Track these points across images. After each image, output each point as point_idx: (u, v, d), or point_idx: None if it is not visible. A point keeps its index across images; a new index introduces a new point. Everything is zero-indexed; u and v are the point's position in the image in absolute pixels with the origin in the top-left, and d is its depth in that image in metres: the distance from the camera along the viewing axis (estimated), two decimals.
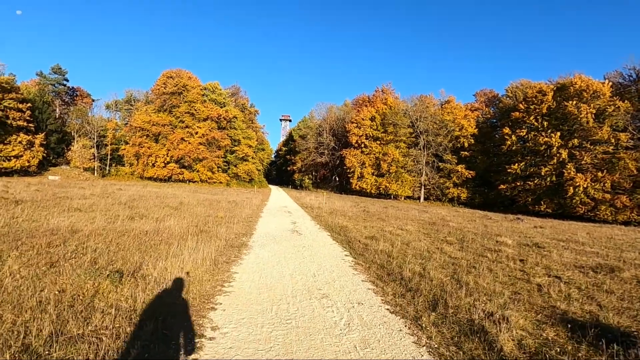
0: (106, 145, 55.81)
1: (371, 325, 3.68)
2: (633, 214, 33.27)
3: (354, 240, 8.92)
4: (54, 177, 40.48)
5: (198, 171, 48.40)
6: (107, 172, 53.55)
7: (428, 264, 6.63)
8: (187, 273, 5.09)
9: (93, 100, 67.15)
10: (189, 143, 47.37)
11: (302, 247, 7.86)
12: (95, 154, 51.36)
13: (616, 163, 34.48)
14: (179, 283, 4.61)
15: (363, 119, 53.19)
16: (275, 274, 5.55)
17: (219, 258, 6.36)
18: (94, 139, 52.62)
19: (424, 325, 3.72)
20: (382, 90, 61.23)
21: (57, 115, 55.11)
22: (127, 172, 51.76)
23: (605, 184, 34.37)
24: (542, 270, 6.79)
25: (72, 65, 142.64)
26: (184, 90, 49.61)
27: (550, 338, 3.54)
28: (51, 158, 50.03)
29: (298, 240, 8.86)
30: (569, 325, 3.83)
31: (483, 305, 4.35)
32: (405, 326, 3.70)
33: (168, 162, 46.95)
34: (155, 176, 46.79)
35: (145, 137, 47.57)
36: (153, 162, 46.53)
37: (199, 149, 47.28)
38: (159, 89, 49.53)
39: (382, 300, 4.54)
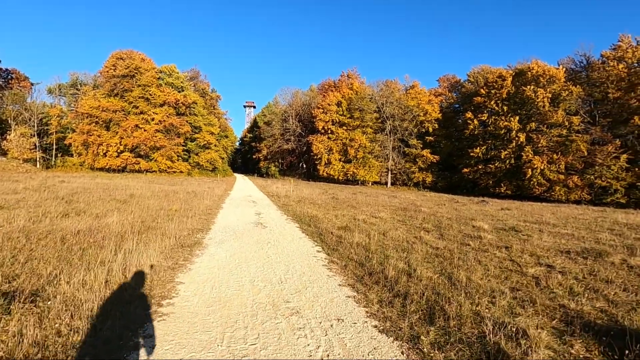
0: (50, 133, 50.77)
1: (358, 355, 2.75)
2: (584, 193, 35.24)
3: (325, 232, 7.99)
4: None
5: (156, 160, 45.27)
6: (52, 163, 48.85)
7: (411, 257, 5.85)
8: (113, 289, 3.89)
9: (32, 84, 60.61)
10: (145, 130, 44.00)
11: (267, 243, 6.81)
12: (37, 144, 46.45)
13: (569, 145, 36.18)
14: (96, 306, 3.42)
15: (329, 104, 52.17)
16: (233, 281, 4.47)
17: (162, 263, 5.15)
18: (34, 126, 47.48)
19: (425, 349, 2.85)
20: (347, 75, 60.41)
21: None
22: (76, 163, 47.54)
23: (560, 166, 36.04)
24: (530, 258, 6.24)
25: (4, 46, 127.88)
26: (136, 73, 45.75)
27: (582, 356, 2.80)
28: None
29: (263, 234, 7.79)
30: (593, 334, 3.14)
31: (487, 311, 3.58)
32: (403, 353, 2.80)
33: (122, 152, 43.41)
34: (107, 167, 43.21)
35: (94, 124, 43.54)
36: (104, 151, 42.82)
37: (155, 136, 44.09)
38: (108, 72, 45.30)
39: (366, 312, 3.63)
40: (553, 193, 36.42)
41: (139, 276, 4.37)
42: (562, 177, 35.86)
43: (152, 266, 4.89)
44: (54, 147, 51.41)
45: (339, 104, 52.32)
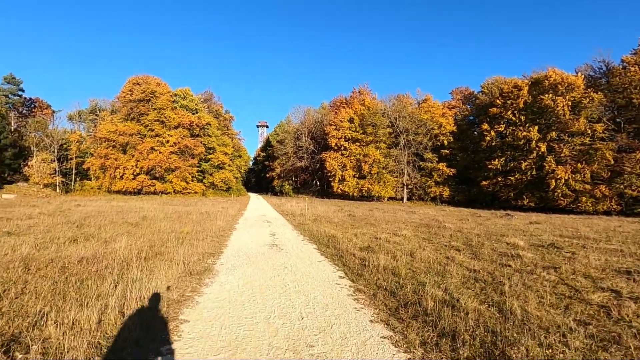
0: (70, 158, 52.07)
1: None
2: (612, 204, 33.43)
3: (346, 254, 7.30)
4: (8, 195, 36.85)
5: (171, 182, 45.61)
6: (71, 187, 49.85)
7: (447, 282, 5.12)
8: (105, 331, 3.32)
9: (54, 112, 62.89)
10: (160, 152, 44.58)
11: (284, 269, 6.16)
12: (57, 169, 47.56)
13: (594, 154, 34.67)
14: (81, 354, 2.84)
15: (341, 121, 52.02)
16: (245, 318, 3.84)
17: (166, 295, 4.57)
18: (54, 152, 48.77)
19: None
20: (359, 92, 60.47)
21: (12, 128, 50.91)
22: (94, 187, 48.35)
23: (585, 175, 34.47)
24: (585, 281, 5.41)
25: (28, 75, 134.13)
26: (152, 97, 46.83)
27: None
28: (6, 175, 46.00)
29: (278, 258, 7.15)
30: None
31: (562, 355, 2.84)
32: None
33: (138, 174, 43.94)
34: (124, 189, 43.70)
35: (111, 148, 44.41)
36: (121, 174, 43.42)
37: (170, 158, 44.56)
38: (125, 97, 46.53)
39: None
40: (579, 204, 34.73)
41: (138, 314, 3.80)
42: (588, 187, 34.24)
43: (154, 299, 4.31)
44: (74, 171, 52.60)
45: (351, 120, 52.12)
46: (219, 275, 5.67)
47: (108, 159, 43.60)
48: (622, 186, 33.09)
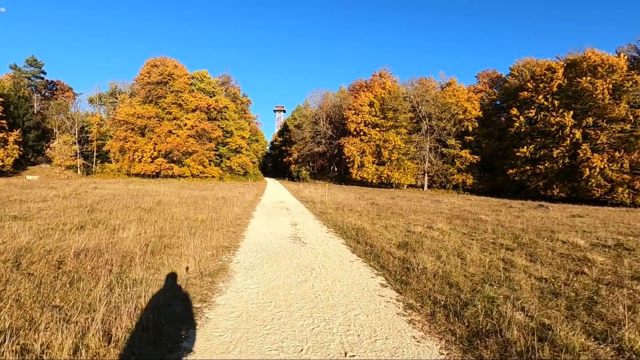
0: (91, 141, 52.63)
1: None
2: None
3: (382, 253, 6.26)
4: (32, 176, 37.44)
5: (188, 165, 45.42)
6: (92, 170, 50.49)
7: (520, 297, 4.03)
8: None
9: (75, 95, 63.54)
10: (177, 136, 44.27)
11: (311, 271, 5.19)
12: (78, 151, 48.11)
13: (634, 142, 32.17)
14: None
15: (361, 105, 50.30)
16: (268, 350, 2.88)
17: (164, 311, 3.65)
18: (75, 135, 49.27)
19: None
20: (379, 75, 58.24)
21: (34, 111, 51.63)
22: (114, 169, 48.70)
23: (624, 164, 32.11)
24: None
25: (51, 58, 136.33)
26: (169, 80, 46.29)
27: None
28: (30, 156, 46.85)
29: (303, 255, 6.17)
30: None
31: None
32: None
33: (156, 157, 43.90)
34: (142, 172, 43.81)
35: (130, 130, 44.37)
36: (140, 157, 43.47)
37: (188, 141, 44.21)
38: (143, 79, 46.17)
39: None
40: (615, 195, 32.49)
41: (130, 338, 2.90)
42: (626, 177, 31.88)
43: (154, 313, 3.42)
44: (95, 154, 53.22)
45: (371, 105, 50.32)
46: (235, 278, 4.74)
47: (127, 142, 43.64)
48: None
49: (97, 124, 51.92)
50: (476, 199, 29.61)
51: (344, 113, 52.77)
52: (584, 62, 36.99)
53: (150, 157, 43.39)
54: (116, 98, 57.69)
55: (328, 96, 61.81)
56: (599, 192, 33.53)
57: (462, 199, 28.83)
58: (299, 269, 5.23)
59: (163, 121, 45.81)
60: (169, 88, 46.29)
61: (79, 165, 47.96)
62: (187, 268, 5.07)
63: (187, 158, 45.23)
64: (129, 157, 43.76)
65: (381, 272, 5.15)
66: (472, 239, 7.98)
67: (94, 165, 51.90)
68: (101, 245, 6.23)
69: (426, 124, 47.40)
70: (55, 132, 50.80)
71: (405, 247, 6.64)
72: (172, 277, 4.57)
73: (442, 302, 3.91)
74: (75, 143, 48.97)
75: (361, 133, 49.79)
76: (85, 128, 53.60)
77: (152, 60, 47.26)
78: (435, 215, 13.20)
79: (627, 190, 31.91)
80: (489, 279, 4.76)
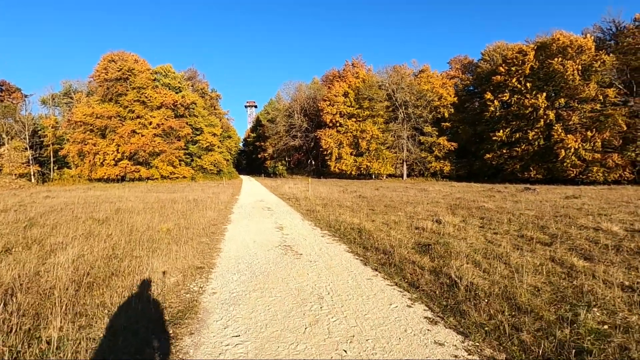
0: (46, 146, 48.33)
1: None
2: (626, 172, 31.86)
3: (403, 262, 4.84)
4: None
5: (157, 167, 42.44)
6: (49, 177, 46.37)
7: (629, 323, 2.76)
8: None
9: (25, 96, 57.99)
10: (142, 135, 41.16)
11: (319, 301, 3.70)
12: (31, 157, 43.92)
13: (605, 121, 32.80)
14: None
15: (335, 96, 48.96)
16: None
17: None
18: (26, 139, 44.94)
19: None
20: (352, 64, 56.99)
21: None
22: (74, 175, 44.90)
23: (596, 144, 32.72)
24: None
25: None
26: (130, 75, 42.89)
27: None
28: None
29: (301, 273, 4.62)
30: None
31: None
32: None
33: (119, 160, 40.62)
34: (105, 177, 40.44)
35: (88, 132, 40.75)
36: (101, 160, 40.05)
37: (154, 141, 41.21)
38: (99, 76, 42.46)
39: None
40: (589, 174, 33.09)
41: None
42: (598, 156, 32.52)
43: None
44: (51, 159, 48.99)
45: (345, 95, 49.08)
46: (209, 325, 3.15)
47: (86, 145, 40.08)
48: (633, 154, 31.43)
49: (51, 127, 47.67)
50: (459, 186, 29.09)
51: (319, 104, 51.25)
52: (554, 44, 37.31)
53: (114, 159, 40.11)
54: (71, 98, 53.25)
55: (301, 88, 59.98)
56: (574, 172, 34.08)
57: (446, 186, 28.19)
58: (302, 298, 3.73)
59: (125, 120, 42.49)
60: (130, 84, 42.93)
61: (32, 173, 43.81)
62: (130, 313, 3.46)
63: (154, 159, 42.25)
64: (90, 161, 40.26)
65: (416, 294, 3.74)
66: (495, 234, 6.77)
67: (51, 172, 47.72)
68: (22, 280, 4.48)
69: (403, 112, 46.74)
70: (3, 138, 46.11)
71: (426, 251, 5.31)
72: (110, 332, 2.97)
73: (539, 352, 2.55)
74: (27, 149, 44.64)
75: (337, 124, 48.50)
76: (39, 132, 49.14)
77: (109, 55, 43.61)
78: (432, 205, 12.05)
79: (601, 169, 32.55)
80: (563, 295, 3.49)
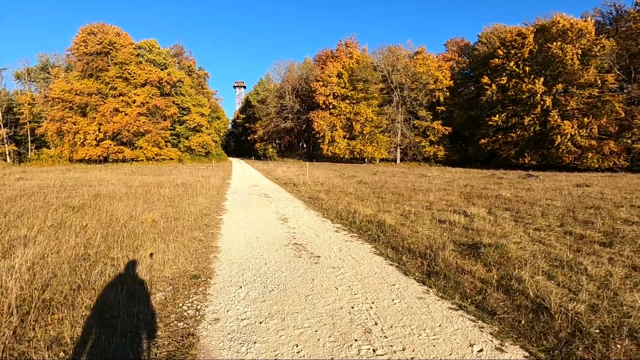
0: (23, 124, 45.66)
1: None
2: (620, 160, 31.77)
3: (453, 271, 3.85)
4: None
5: (141, 148, 40.46)
6: (27, 157, 43.89)
7: None
8: None
9: None
10: (126, 114, 38.95)
11: (365, 335, 2.60)
12: (5, 136, 41.36)
13: (602, 107, 32.42)
14: None
15: (329, 76, 47.28)
16: None
17: None
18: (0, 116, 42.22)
19: None
20: (345, 44, 54.98)
21: None
22: (53, 155, 42.45)
23: (592, 130, 32.43)
24: None
25: None
26: (111, 50, 40.17)
27: None
28: None
29: (328, 287, 3.48)
30: None
31: None
32: None
33: (102, 139, 38.49)
34: (87, 157, 38.35)
35: (67, 109, 38.29)
36: (82, 140, 37.85)
37: (139, 120, 39.09)
38: (78, 49, 39.57)
39: None
40: (585, 161, 32.93)
41: None
42: (594, 142, 32.26)
43: None
44: (29, 138, 46.44)
45: (339, 75, 47.44)
46: None
47: (65, 123, 37.72)
48: (629, 141, 31.25)
49: (27, 104, 44.83)
50: (456, 171, 28.40)
51: (312, 85, 49.49)
52: (554, 27, 36.36)
53: (95, 139, 37.99)
54: (49, 73, 50.06)
55: (293, 68, 57.84)
56: (570, 158, 33.89)
57: (443, 171, 27.44)
58: (341, 332, 2.64)
59: (107, 98, 40.11)
60: (112, 59, 40.32)
61: (8, 152, 41.38)
62: (106, 351, 2.41)
63: (139, 139, 40.24)
64: (69, 140, 38.04)
65: (496, 326, 2.65)
66: (537, 230, 5.87)
67: (28, 152, 45.23)
68: None
69: (398, 94, 45.51)
70: None
71: (475, 255, 4.35)
72: None
73: None
74: (1, 127, 41.98)
75: (330, 106, 47.03)
76: (14, 109, 46.31)
77: (88, 26, 40.63)
78: (443, 194, 11.15)
79: (595, 156, 32.37)
80: None
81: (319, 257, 4.62)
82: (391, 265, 4.23)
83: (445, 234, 5.52)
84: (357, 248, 5.02)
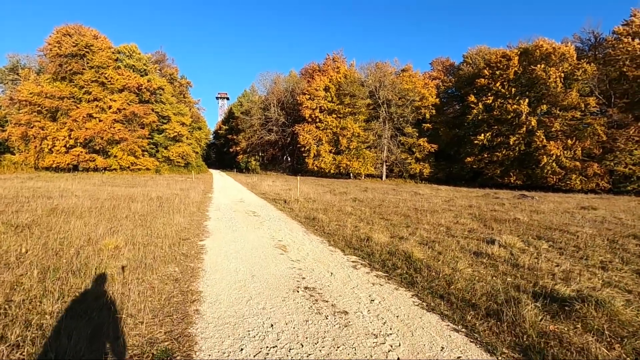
0: None
1: None
2: (603, 182, 32.12)
3: (550, 344, 2.66)
4: None
5: (116, 156, 38.01)
6: None
7: None
8: None
9: None
10: (100, 120, 36.61)
11: None
12: None
13: (584, 130, 33.02)
14: None
15: (316, 90, 46.57)
16: None
17: None
18: None
19: None
20: (333, 59, 54.74)
21: None
22: (17, 162, 39.25)
23: (576, 152, 32.78)
24: None
25: None
26: (87, 52, 38.03)
27: None
28: None
29: None
30: None
31: None
32: None
33: (72, 146, 35.87)
34: (55, 165, 35.59)
35: (35, 113, 35.63)
36: (50, 146, 35.15)
37: (114, 127, 36.80)
38: (51, 50, 37.20)
39: None
40: (569, 182, 33.14)
41: None
42: (578, 164, 32.57)
43: None
44: None
45: (326, 89, 46.85)
46: None
47: (32, 128, 34.99)
48: (612, 163, 31.71)
49: None
50: (446, 189, 27.76)
51: (298, 98, 48.62)
52: (537, 50, 37.21)
53: (65, 146, 35.36)
54: (18, 74, 47.07)
55: (279, 80, 56.97)
56: (554, 179, 34.03)
57: (433, 189, 26.72)
58: None
59: (81, 103, 37.71)
60: (87, 62, 38.13)
61: None
62: None
63: (113, 147, 37.82)
64: (36, 146, 35.25)
65: None
66: (604, 269, 4.75)
67: None
68: None
69: (385, 110, 45.21)
70: None
71: (568, 317, 3.13)
72: None
73: None
74: None
75: (317, 120, 46.16)
76: None
77: (64, 27, 38.48)
78: (450, 214, 10.07)
79: (579, 177, 32.66)
80: None
81: (346, 313, 3.29)
82: (457, 331, 2.94)
83: (496, 275, 4.33)
84: (393, 297, 3.71)
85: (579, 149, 32.84)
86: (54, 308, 3.21)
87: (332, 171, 45.31)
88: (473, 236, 6.86)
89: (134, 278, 4.14)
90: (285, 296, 3.70)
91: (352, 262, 5.11)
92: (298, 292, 3.83)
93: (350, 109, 45.17)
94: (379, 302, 3.55)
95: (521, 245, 5.98)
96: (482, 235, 6.98)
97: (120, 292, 3.63)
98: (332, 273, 4.52)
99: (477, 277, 4.22)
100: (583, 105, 33.76)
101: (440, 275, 4.27)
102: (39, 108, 35.48)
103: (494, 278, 4.20)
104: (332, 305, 3.48)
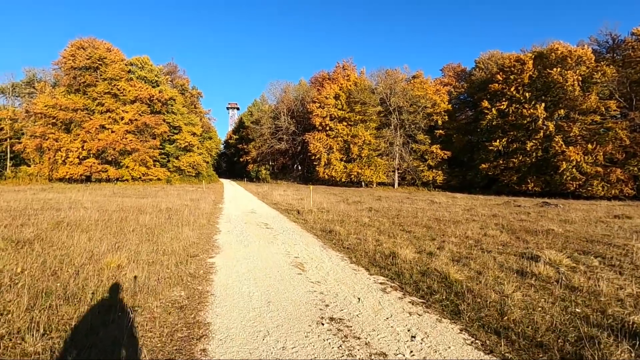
0: (3, 140, 43.37)
1: None
2: (627, 188, 30.68)
3: None
4: None
5: (127, 167, 38.16)
6: (3, 174, 41.21)
7: None
8: None
9: None
10: (112, 131, 36.93)
11: None
12: None
13: (605, 134, 31.78)
14: None
15: (326, 98, 46.30)
16: None
17: None
18: None
19: None
20: (342, 67, 54.55)
21: None
22: (32, 173, 39.79)
23: (598, 157, 31.48)
24: None
25: None
26: (101, 65, 38.63)
27: None
28: None
29: None
30: None
31: None
32: None
33: (85, 157, 36.18)
34: (68, 176, 35.86)
35: (50, 125, 36.15)
36: (63, 158, 35.51)
37: (126, 138, 37.04)
38: (66, 63, 37.91)
39: None
40: (590, 188, 31.74)
41: None
42: (600, 169, 31.21)
43: None
44: (8, 155, 43.93)
45: (337, 97, 46.53)
46: None
47: (46, 140, 35.47)
48: (636, 168, 30.35)
49: (9, 119, 42.63)
50: (462, 197, 26.84)
51: (308, 106, 48.41)
52: (552, 54, 36.24)
53: (78, 157, 35.67)
54: (34, 88, 48.08)
55: (288, 89, 57.01)
56: (574, 185, 32.69)
57: (449, 197, 25.85)
58: None
59: (94, 114, 38.15)
60: (101, 75, 38.68)
61: None
62: None
63: (125, 158, 38.01)
64: (50, 158, 35.64)
65: None
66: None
67: (6, 169, 42.56)
68: None
69: (396, 117, 44.57)
70: None
71: None
72: None
73: None
74: None
75: (327, 128, 45.79)
76: None
77: (78, 41, 39.21)
78: (475, 225, 9.37)
79: (601, 183, 31.33)
80: None
81: (385, 355, 2.68)
82: None
83: (553, 302, 3.68)
84: (438, 332, 3.09)
85: (600, 154, 31.55)
86: (36, 347, 2.70)
87: (343, 179, 44.70)
88: (509, 251, 6.19)
89: (135, 305, 3.63)
90: (308, 330, 3.12)
91: (380, 283, 4.51)
92: (323, 324, 3.25)
93: (361, 117, 44.71)
94: (422, 340, 2.94)
95: (568, 262, 5.29)
96: (518, 250, 6.30)
97: (116, 325, 3.11)
98: (359, 299, 3.92)
99: (531, 305, 3.58)
100: (603, 109, 32.56)
101: (488, 302, 3.64)
102: (54, 120, 35.99)
103: (552, 306, 3.55)
104: (365, 343, 2.88)
